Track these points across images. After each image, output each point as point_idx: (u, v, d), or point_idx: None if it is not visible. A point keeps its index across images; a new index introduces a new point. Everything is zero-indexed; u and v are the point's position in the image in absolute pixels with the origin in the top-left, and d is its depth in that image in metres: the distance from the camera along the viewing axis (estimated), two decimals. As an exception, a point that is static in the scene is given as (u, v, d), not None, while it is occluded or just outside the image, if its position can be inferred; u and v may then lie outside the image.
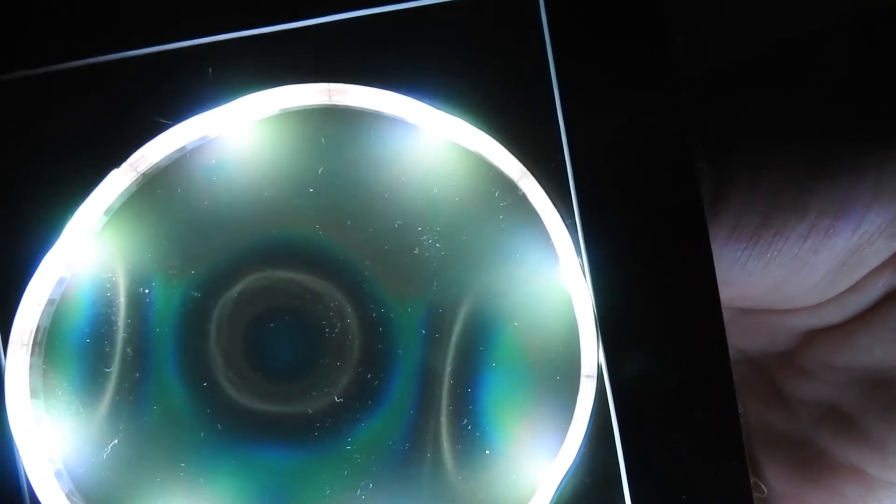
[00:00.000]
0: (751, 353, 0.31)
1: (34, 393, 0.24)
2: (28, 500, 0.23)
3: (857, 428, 0.28)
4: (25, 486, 0.23)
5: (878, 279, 0.27)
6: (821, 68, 0.26)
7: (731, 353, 0.29)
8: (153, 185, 0.24)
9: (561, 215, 0.23)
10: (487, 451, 0.24)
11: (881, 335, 0.28)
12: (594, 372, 0.23)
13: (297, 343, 0.24)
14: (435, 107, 0.22)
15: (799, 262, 0.26)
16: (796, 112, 0.25)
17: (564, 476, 0.23)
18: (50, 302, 0.24)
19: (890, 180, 0.25)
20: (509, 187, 0.23)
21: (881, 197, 0.25)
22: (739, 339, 0.30)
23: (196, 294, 0.24)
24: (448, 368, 0.24)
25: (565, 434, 0.23)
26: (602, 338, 0.23)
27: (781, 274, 0.26)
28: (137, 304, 0.24)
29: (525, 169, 0.23)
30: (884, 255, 0.27)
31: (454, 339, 0.24)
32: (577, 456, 0.23)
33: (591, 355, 0.23)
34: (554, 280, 0.23)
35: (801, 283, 0.26)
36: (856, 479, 0.28)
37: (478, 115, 0.23)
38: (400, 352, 0.24)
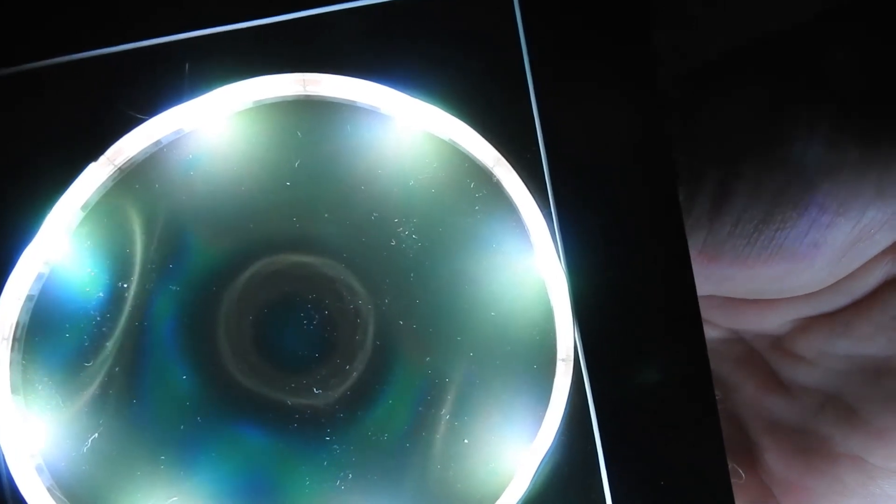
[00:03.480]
0: (743, 335, 0.31)
1: (14, 389, 0.24)
2: (9, 495, 0.23)
3: (858, 417, 0.28)
4: (6, 480, 0.23)
5: (877, 267, 0.27)
6: (823, 60, 0.26)
7: (724, 334, 0.30)
8: (130, 179, 0.24)
9: (536, 202, 0.23)
10: (466, 441, 0.24)
11: (882, 323, 0.28)
12: (569, 356, 0.23)
13: (275, 336, 0.24)
14: (409, 94, 0.23)
15: (799, 256, 0.26)
16: (799, 107, 0.26)
17: (541, 461, 0.23)
18: (29, 298, 0.24)
19: (892, 177, 0.25)
20: (484, 177, 0.24)
21: (884, 193, 0.25)
22: (726, 321, 0.31)
23: (175, 288, 0.24)
24: (426, 359, 0.24)
25: (543, 420, 0.23)
26: (578, 323, 0.23)
27: (782, 267, 0.27)
28: (116, 299, 0.24)
29: (500, 155, 0.23)
30: (883, 245, 0.27)
31: (432, 329, 0.24)
32: (553, 441, 0.23)
33: (567, 340, 0.23)
34: (530, 269, 0.24)
35: (800, 274, 0.27)
36: (856, 467, 0.28)
37: (452, 102, 0.23)
38: (378, 343, 0.24)
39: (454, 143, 0.24)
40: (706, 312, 0.30)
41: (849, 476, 0.28)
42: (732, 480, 0.24)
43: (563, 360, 0.23)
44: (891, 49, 0.26)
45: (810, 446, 0.29)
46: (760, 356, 0.31)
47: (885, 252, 0.27)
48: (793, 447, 0.29)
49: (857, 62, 0.26)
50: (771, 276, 0.27)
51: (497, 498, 0.24)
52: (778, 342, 0.30)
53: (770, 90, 0.26)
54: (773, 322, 0.30)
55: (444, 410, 0.24)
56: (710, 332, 0.31)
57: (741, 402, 0.31)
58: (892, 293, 0.27)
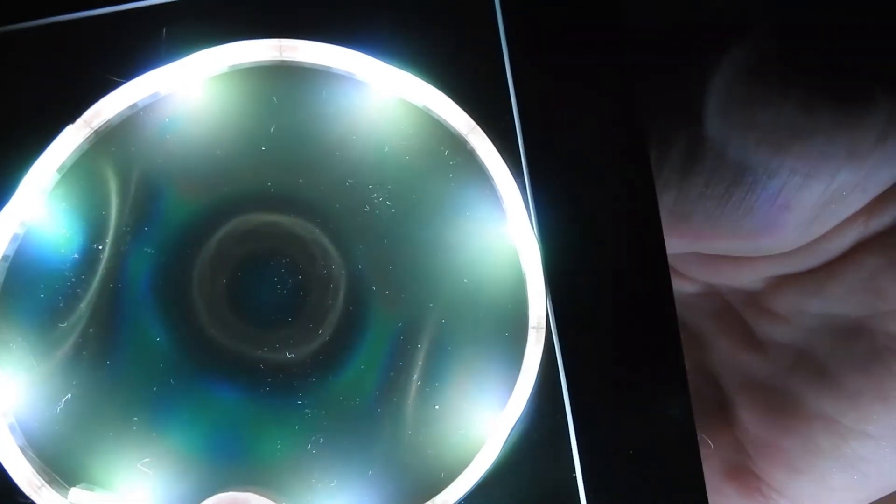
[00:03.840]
0: (718, 289, 0.31)
1: (-12, 348, 0.24)
2: (-19, 455, 0.24)
3: (830, 377, 0.28)
4: (-22, 440, 0.24)
5: (850, 229, 0.28)
6: (792, 24, 0.26)
7: (700, 288, 0.30)
8: (106, 142, 0.24)
9: (510, 169, 0.23)
10: (437, 406, 0.24)
11: (854, 284, 0.28)
12: (541, 324, 0.23)
13: (249, 299, 0.24)
14: (385, 61, 0.23)
15: (771, 218, 0.26)
16: (769, 70, 0.26)
17: (512, 428, 0.23)
18: (4, 258, 0.24)
19: (863, 139, 0.25)
20: (458, 145, 0.24)
21: (855, 156, 0.25)
22: (703, 274, 0.31)
23: (149, 251, 0.24)
24: (398, 325, 0.24)
25: (514, 387, 0.23)
26: (550, 292, 0.23)
27: (753, 228, 0.27)
28: (91, 261, 0.24)
29: (474, 123, 0.23)
30: (856, 207, 0.27)
31: (404, 295, 0.24)
32: (524, 408, 0.23)
33: (539, 308, 0.23)
34: (503, 236, 0.24)
35: (772, 235, 0.27)
36: (829, 428, 0.28)
37: (427, 69, 0.23)
38: (351, 308, 0.24)
39: (429, 110, 0.24)
40: (683, 266, 0.30)
41: (822, 437, 0.28)
42: (701, 450, 0.24)
43: (534, 327, 0.23)
44: (861, 16, 0.26)
45: (784, 405, 0.29)
46: (736, 313, 0.31)
47: (857, 214, 0.27)
48: (766, 406, 0.30)
49: (827, 27, 0.26)
50: (743, 237, 0.27)
51: (467, 464, 0.24)
52: (753, 298, 0.30)
53: (742, 55, 0.26)
54: (749, 278, 0.30)
55: (415, 376, 0.24)
56: (687, 287, 0.31)
57: (716, 357, 0.31)
58: (865, 255, 0.28)
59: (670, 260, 0.23)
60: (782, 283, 0.29)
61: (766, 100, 0.26)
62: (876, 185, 0.26)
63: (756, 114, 0.26)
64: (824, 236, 0.28)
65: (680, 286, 0.31)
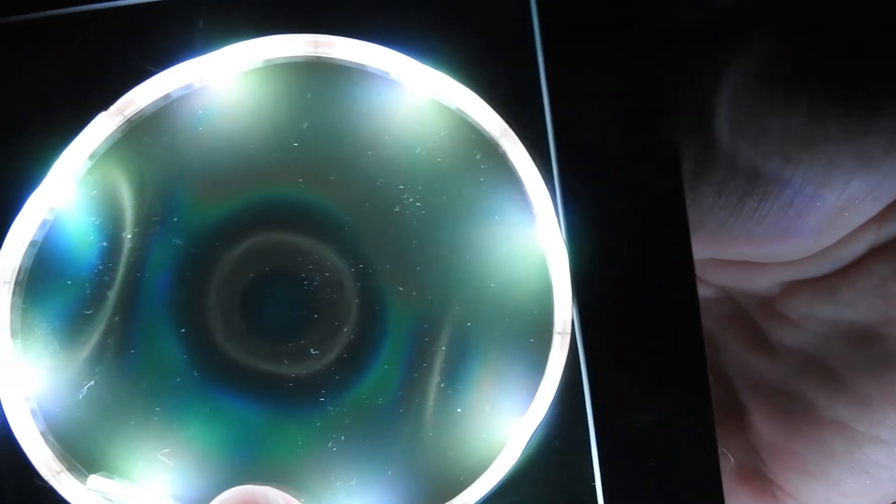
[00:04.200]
0: (732, 293, 0.31)
1: (13, 332, 0.24)
2: (3, 438, 0.24)
3: (842, 383, 0.28)
4: (0, 423, 0.24)
5: (864, 236, 0.28)
6: (797, 30, 0.26)
7: (715, 292, 0.30)
8: (139, 132, 0.24)
9: (541, 174, 0.23)
10: (459, 409, 0.24)
11: (866, 290, 0.28)
12: (566, 329, 0.23)
13: (276, 295, 0.24)
14: (420, 61, 0.23)
15: (784, 226, 0.26)
16: (776, 78, 0.26)
17: (532, 433, 0.23)
18: (32, 243, 0.24)
19: (874, 148, 0.25)
20: (490, 149, 0.24)
21: (866, 164, 0.25)
22: (719, 278, 0.31)
23: (178, 241, 0.24)
24: (424, 326, 0.24)
25: (536, 392, 0.23)
26: (576, 298, 0.23)
27: (767, 235, 0.27)
28: (119, 249, 0.24)
29: (506, 125, 0.23)
30: (868, 215, 0.27)
31: (431, 297, 0.24)
32: (546, 413, 0.23)
33: (564, 313, 0.23)
34: (532, 241, 0.24)
35: (786, 242, 0.27)
36: (843, 433, 0.28)
37: (461, 71, 0.23)
38: (377, 308, 0.24)
39: (461, 112, 0.24)
40: (700, 271, 0.30)
41: (834, 442, 0.28)
42: (721, 464, 0.24)
43: (559, 333, 0.23)
44: (867, 23, 0.26)
45: (796, 410, 0.29)
46: (750, 317, 0.31)
47: (870, 221, 0.27)
48: (779, 410, 0.30)
49: (832, 33, 0.26)
50: (756, 244, 0.27)
51: (486, 468, 0.24)
52: (767, 303, 0.30)
53: (749, 63, 0.26)
54: (763, 283, 0.30)
55: (439, 378, 0.24)
56: (703, 291, 0.31)
57: (730, 362, 0.31)
58: (877, 261, 0.28)
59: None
60: (795, 288, 0.29)
61: (774, 109, 0.26)
62: (888, 193, 0.26)
63: (765, 123, 0.26)
64: (837, 243, 0.28)
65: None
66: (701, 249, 0.28)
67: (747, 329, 0.31)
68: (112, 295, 0.24)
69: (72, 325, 0.24)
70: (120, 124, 0.24)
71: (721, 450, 0.23)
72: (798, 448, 0.29)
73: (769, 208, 0.26)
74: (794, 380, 0.29)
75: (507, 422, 0.24)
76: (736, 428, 0.31)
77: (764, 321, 0.30)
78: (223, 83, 0.24)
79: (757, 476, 0.30)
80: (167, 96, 0.24)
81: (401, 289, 0.24)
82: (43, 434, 0.24)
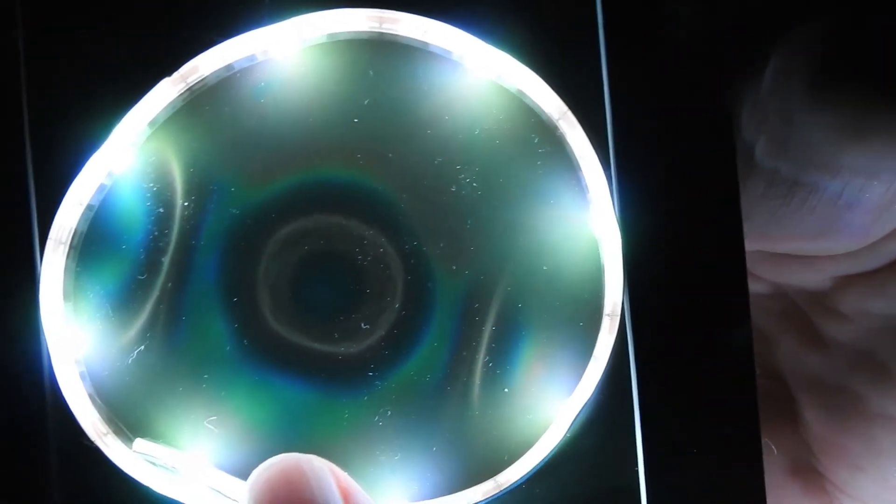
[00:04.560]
0: (786, 290, 0.31)
1: (66, 295, 0.24)
2: (51, 400, 0.24)
3: (892, 377, 0.29)
4: (49, 384, 0.24)
5: None
6: (850, 22, 0.26)
7: (768, 288, 0.30)
8: (200, 102, 0.24)
9: (598, 158, 0.23)
10: (506, 389, 0.24)
11: None
12: (615, 311, 0.23)
13: (328, 268, 0.24)
14: (482, 40, 0.23)
15: (833, 217, 0.27)
16: (828, 70, 0.26)
17: (577, 415, 0.24)
18: (89, 207, 0.24)
19: None
20: (548, 133, 0.24)
21: None
22: (772, 274, 0.31)
23: (234, 211, 0.24)
24: (474, 305, 0.24)
25: (583, 373, 0.24)
26: (627, 281, 0.23)
27: (816, 227, 0.27)
28: (175, 217, 0.24)
29: (566, 108, 0.23)
30: None
31: (483, 277, 0.24)
32: (591, 396, 0.24)
33: (614, 295, 0.23)
34: (585, 226, 0.24)
35: (835, 234, 0.27)
36: (892, 427, 0.29)
37: (522, 51, 0.23)
38: (429, 285, 0.24)
39: (522, 94, 0.24)
40: (753, 266, 0.30)
41: (884, 436, 0.29)
42: (764, 455, 0.24)
43: (608, 315, 0.24)
44: None
45: (847, 405, 0.29)
46: (802, 312, 0.31)
47: None
48: (830, 405, 0.30)
49: (885, 24, 0.26)
50: (806, 236, 0.27)
51: (530, 447, 0.24)
52: (819, 298, 0.30)
53: (800, 56, 0.26)
54: (814, 278, 0.30)
55: (487, 357, 0.24)
56: (756, 287, 0.31)
57: (782, 357, 0.31)
58: None
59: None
60: (847, 282, 0.30)
61: (826, 100, 0.26)
62: None
63: (815, 114, 0.26)
64: (888, 236, 0.28)
65: (750, 285, 0.31)
66: (751, 242, 0.28)
67: (799, 325, 0.31)
68: (166, 261, 0.24)
69: (124, 290, 0.24)
70: (182, 92, 0.24)
71: (764, 440, 0.24)
72: (848, 442, 0.29)
73: (818, 200, 0.26)
74: (845, 375, 0.30)
75: (552, 403, 0.24)
76: (787, 423, 0.31)
77: (816, 316, 0.31)
78: (286, 57, 0.24)
79: (808, 470, 0.31)
80: (230, 67, 0.24)
81: (453, 267, 0.24)
82: (91, 396, 0.24)
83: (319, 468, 0.23)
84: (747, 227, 0.26)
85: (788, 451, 0.31)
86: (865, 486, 0.30)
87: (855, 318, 0.30)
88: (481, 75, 0.24)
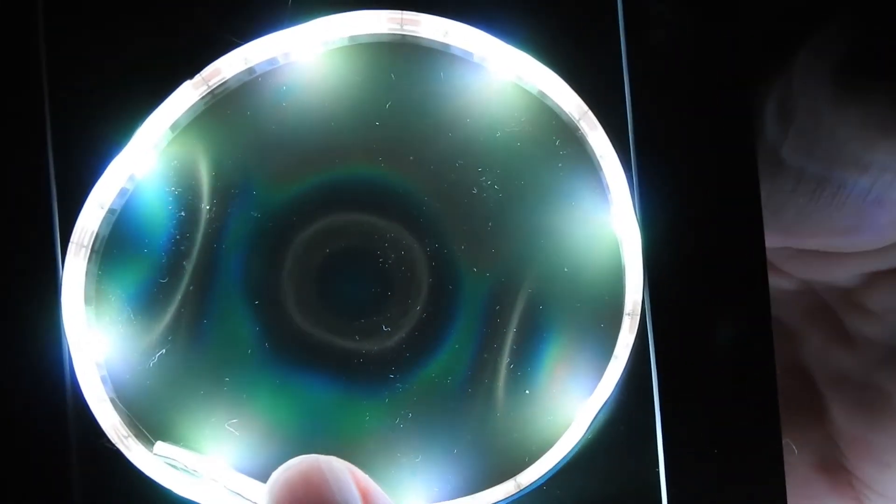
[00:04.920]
0: (814, 286, 0.32)
1: (87, 299, 0.24)
2: (72, 403, 0.24)
3: None
4: (71, 388, 0.24)
5: None
6: (879, 17, 0.26)
7: (796, 285, 0.30)
8: (222, 105, 0.24)
9: (619, 159, 0.23)
10: (527, 391, 0.24)
11: None
12: (636, 311, 0.24)
13: (350, 271, 0.25)
14: (503, 41, 0.23)
15: (862, 214, 0.27)
16: (858, 66, 0.26)
17: (596, 415, 0.24)
18: (111, 211, 0.24)
19: None
20: (569, 135, 0.24)
21: None
22: (800, 271, 0.31)
23: (256, 214, 0.24)
24: (496, 307, 0.24)
25: (603, 373, 0.24)
26: (647, 282, 0.24)
27: (845, 223, 0.27)
28: (197, 220, 0.24)
29: (586, 108, 0.23)
30: None
31: (504, 279, 0.24)
32: (611, 396, 0.24)
33: (635, 295, 0.24)
34: (605, 227, 0.24)
35: (865, 231, 0.27)
36: None
37: (544, 52, 0.23)
38: (450, 287, 0.24)
39: (543, 96, 0.24)
40: (780, 262, 0.30)
41: None
42: (786, 456, 0.24)
43: (628, 314, 0.24)
44: None
45: (874, 401, 0.30)
46: (830, 309, 0.31)
47: None
48: (857, 401, 0.30)
49: None
50: (835, 232, 0.28)
51: (550, 448, 0.24)
52: (846, 295, 0.31)
53: (830, 51, 0.26)
54: (843, 275, 0.30)
55: (508, 359, 0.24)
56: (783, 283, 0.32)
57: (810, 354, 0.32)
58: None
59: (767, 255, 0.24)
60: (876, 279, 0.30)
61: (856, 96, 0.26)
62: None
63: (845, 110, 0.26)
64: None
65: (777, 282, 0.31)
66: (780, 239, 0.28)
67: (828, 322, 0.31)
68: (188, 265, 0.24)
69: (146, 294, 0.24)
70: (203, 95, 0.24)
71: (785, 441, 0.24)
72: (875, 439, 0.29)
73: (847, 196, 0.26)
74: (873, 371, 0.30)
75: (573, 403, 0.24)
76: (815, 419, 0.31)
77: (843, 313, 0.31)
78: (308, 60, 0.24)
79: (834, 466, 0.31)
80: (251, 70, 0.24)
81: (475, 270, 0.24)
82: (112, 400, 0.24)
83: (339, 469, 0.23)
84: (776, 224, 0.26)
85: (815, 447, 0.31)
86: (892, 481, 0.30)
87: (883, 315, 0.30)
88: (502, 77, 0.24)
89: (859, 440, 0.30)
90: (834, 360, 0.31)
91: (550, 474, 0.24)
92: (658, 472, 0.24)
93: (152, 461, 0.24)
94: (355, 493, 0.22)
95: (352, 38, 0.24)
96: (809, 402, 0.31)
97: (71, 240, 0.24)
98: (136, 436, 0.24)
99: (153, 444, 0.24)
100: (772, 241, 0.27)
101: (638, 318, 0.24)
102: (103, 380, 0.24)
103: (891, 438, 0.29)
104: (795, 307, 0.32)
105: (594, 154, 0.24)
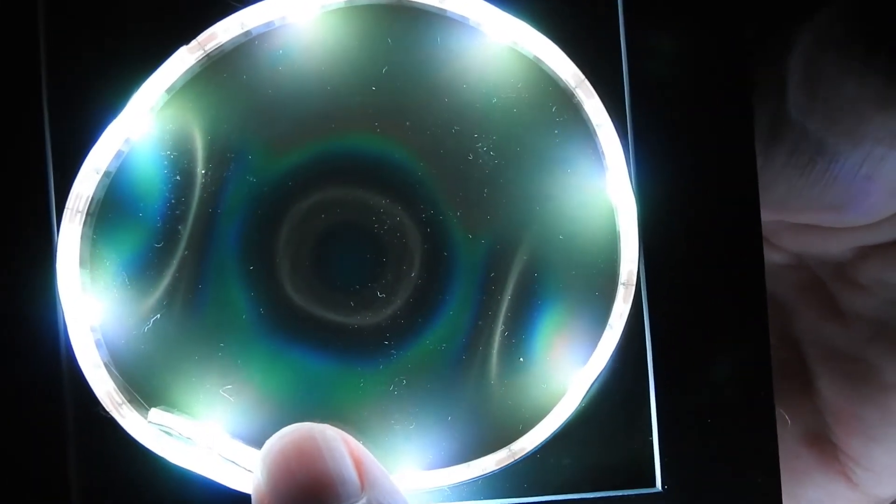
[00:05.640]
0: (807, 261, 0.32)
1: (82, 262, 0.24)
2: (66, 367, 0.24)
3: None
4: (65, 351, 0.24)
5: None
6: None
7: (789, 259, 0.30)
8: (217, 68, 0.24)
9: (615, 126, 0.23)
10: (521, 359, 0.24)
11: None
12: (631, 280, 0.23)
13: (346, 237, 0.24)
14: (499, 6, 0.23)
15: (854, 188, 0.27)
16: (853, 40, 0.26)
17: (593, 383, 0.24)
18: (106, 174, 0.24)
19: None
20: (565, 101, 0.24)
21: None
22: (793, 245, 0.31)
23: (252, 179, 0.24)
24: (491, 274, 0.24)
25: (598, 343, 0.24)
26: (643, 251, 0.24)
27: (837, 197, 0.27)
28: (192, 184, 0.24)
29: (583, 76, 0.23)
30: None
31: (499, 246, 0.24)
32: (607, 364, 0.24)
33: (630, 264, 0.23)
34: (601, 195, 0.24)
35: (856, 205, 0.27)
36: None
37: (541, 19, 0.23)
38: (445, 254, 0.24)
39: (539, 61, 0.24)
40: (774, 237, 0.30)
41: None
42: (778, 425, 0.24)
43: (623, 283, 0.24)
44: None
45: (863, 376, 0.30)
46: (822, 283, 0.31)
47: None
48: (846, 376, 0.30)
49: None
50: (827, 206, 0.28)
51: (544, 416, 0.24)
52: (839, 269, 0.31)
53: (825, 25, 0.26)
54: (835, 249, 0.30)
55: (503, 326, 0.24)
56: (776, 257, 0.32)
57: (800, 327, 0.32)
58: None
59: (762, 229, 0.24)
60: (867, 253, 0.30)
61: (850, 70, 0.26)
62: None
63: (840, 85, 0.26)
64: None
65: (770, 256, 0.31)
66: (773, 212, 0.28)
67: (820, 296, 0.31)
68: (183, 229, 0.24)
69: (141, 258, 0.24)
70: (199, 59, 0.24)
71: (778, 411, 0.24)
72: (862, 412, 0.30)
73: (839, 169, 0.26)
74: (863, 346, 0.30)
75: (568, 372, 0.24)
76: (803, 393, 0.31)
77: (835, 287, 0.31)
78: (304, 23, 0.24)
79: (822, 439, 0.31)
80: (248, 33, 0.24)
81: (470, 236, 0.24)
82: (106, 365, 0.24)
83: (332, 437, 0.23)
84: (768, 198, 0.26)
85: (803, 421, 0.31)
86: (878, 456, 0.30)
87: (874, 290, 0.30)
88: (499, 42, 0.24)
89: (847, 414, 0.30)
90: (825, 335, 0.31)
91: (544, 442, 0.24)
92: (651, 441, 0.24)
93: (147, 429, 0.24)
94: (348, 462, 0.22)
95: (349, 0, 0.24)
96: (799, 376, 0.31)
97: (66, 204, 0.23)
98: (131, 402, 0.24)
99: (148, 411, 0.24)
100: (765, 215, 0.27)
101: (633, 287, 0.24)
102: (98, 344, 0.24)
103: (878, 412, 0.29)
104: (788, 281, 0.32)
105: (590, 121, 0.24)
